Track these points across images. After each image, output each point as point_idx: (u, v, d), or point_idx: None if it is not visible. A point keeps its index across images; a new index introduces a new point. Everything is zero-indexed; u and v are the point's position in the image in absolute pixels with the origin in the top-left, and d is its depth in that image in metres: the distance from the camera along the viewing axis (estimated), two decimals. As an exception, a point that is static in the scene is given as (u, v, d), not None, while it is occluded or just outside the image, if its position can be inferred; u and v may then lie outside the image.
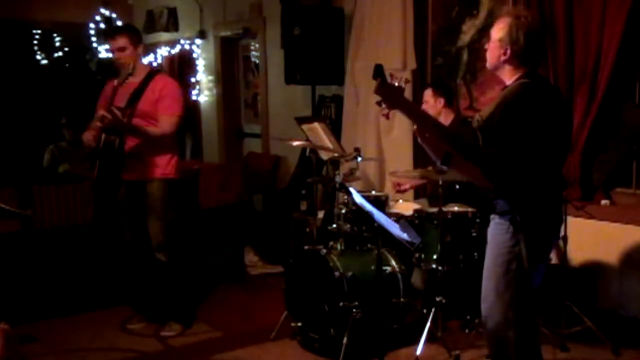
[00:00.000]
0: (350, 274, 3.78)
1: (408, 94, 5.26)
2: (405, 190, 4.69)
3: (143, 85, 4.12)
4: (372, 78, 2.52)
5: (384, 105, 2.60)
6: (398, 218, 3.65)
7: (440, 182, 3.84)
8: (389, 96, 2.56)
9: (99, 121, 3.95)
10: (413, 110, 2.70)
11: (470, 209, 3.94)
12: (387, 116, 2.74)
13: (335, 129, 5.41)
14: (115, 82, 4.11)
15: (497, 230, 2.75)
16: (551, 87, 3.03)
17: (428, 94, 4.40)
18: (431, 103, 4.35)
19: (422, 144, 2.67)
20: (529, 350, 2.81)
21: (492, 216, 2.79)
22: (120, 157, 4.04)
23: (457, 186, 4.04)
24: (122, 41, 4.15)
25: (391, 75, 2.55)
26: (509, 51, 2.70)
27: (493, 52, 2.76)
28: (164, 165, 4.20)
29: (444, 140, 2.63)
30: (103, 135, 4.00)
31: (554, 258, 4.15)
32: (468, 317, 3.97)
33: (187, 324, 4.38)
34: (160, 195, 4.17)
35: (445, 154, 2.62)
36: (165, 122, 4.11)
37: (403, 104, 2.61)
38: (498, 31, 2.74)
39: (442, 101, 4.34)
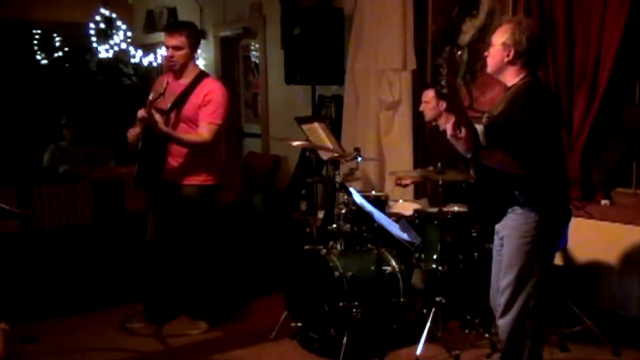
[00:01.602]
0: (350, 274, 3.78)
1: (408, 93, 5.27)
2: (406, 185, 4.69)
3: (190, 89, 4.00)
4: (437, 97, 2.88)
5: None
6: (398, 218, 3.65)
7: (440, 182, 3.84)
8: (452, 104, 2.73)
9: (140, 120, 3.88)
10: (460, 106, 2.87)
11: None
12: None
13: (335, 129, 5.41)
14: (151, 96, 3.86)
15: (519, 221, 2.80)
16: (548, 88, 3.16)
17: (429, 95, 4.41)
18: (433, 104, 4.37)
19: (451, 138, 2.70)
20: (541, 341, 2.85)
21: (512, 208, 2.83)
22: (159, 159, 4.00)
23: (463, 184, 4.04)
24: (179, 40, 3.93)
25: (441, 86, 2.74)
26: (512, 53, 2.79)
27: (495, 55, 2.85)
28: (201, 171, 4.10)
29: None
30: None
31: (557, 258, 4.15)
32: (468, 317, 3.97)
33: (214, 322, 4.35)
34: (194, 201, 4.09)
35: (474, 147, 2.68)
36: (204, 129, 3.97)
37: (456, 105, 2.82)
38: (500, 36, 2.81)
39: (443, 104, 4.36)
